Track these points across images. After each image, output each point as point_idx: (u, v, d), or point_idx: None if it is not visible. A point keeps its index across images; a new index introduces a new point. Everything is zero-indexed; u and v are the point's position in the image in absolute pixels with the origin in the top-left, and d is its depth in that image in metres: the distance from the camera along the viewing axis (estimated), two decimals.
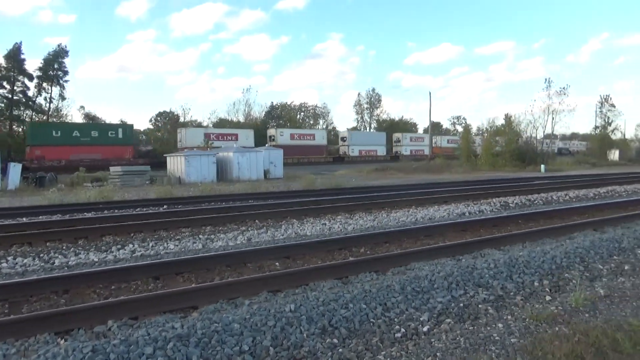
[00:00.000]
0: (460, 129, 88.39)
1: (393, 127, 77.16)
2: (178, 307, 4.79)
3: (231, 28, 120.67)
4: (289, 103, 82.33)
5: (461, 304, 5.05)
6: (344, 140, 61.22)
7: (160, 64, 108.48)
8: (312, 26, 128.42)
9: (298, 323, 4.35)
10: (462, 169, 38.85)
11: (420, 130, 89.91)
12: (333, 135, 70.70)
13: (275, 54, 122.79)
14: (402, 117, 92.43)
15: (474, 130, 72.54)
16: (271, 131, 55.70)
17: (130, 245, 8.16)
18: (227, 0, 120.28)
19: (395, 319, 4.62)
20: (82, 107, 62.36)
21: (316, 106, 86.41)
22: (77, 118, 58.30)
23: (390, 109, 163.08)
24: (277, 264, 6.84)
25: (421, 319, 4.62)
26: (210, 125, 62.29)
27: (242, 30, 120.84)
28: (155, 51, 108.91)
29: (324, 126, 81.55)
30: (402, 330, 4.36)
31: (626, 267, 6.56)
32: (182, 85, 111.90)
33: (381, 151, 62.92)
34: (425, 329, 4.40)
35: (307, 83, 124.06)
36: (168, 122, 62.13)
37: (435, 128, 79.46)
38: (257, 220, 10.75)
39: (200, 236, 9.02)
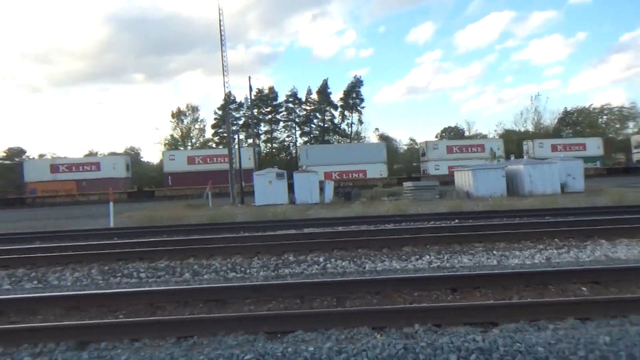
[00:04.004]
0: None
1: None
2: (477, 321, 4.92)
3: (518, 34, 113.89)
4: (587, 106, 72.06)
5: None
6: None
7: (445, 81, 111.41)
8: (615, 15, 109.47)
9: (616, 358, 3.89)
10: None
11: None
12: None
13: (571, 54, 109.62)
14: None
15: None
16: (528, 144, 49.18)
17: (427, 257, 8.73)
18: (513, 6, 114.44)
19: None
20: (376, 129, 70.46)
21: (622, 107, 72.60)
22: (373, 139, 65.99)
23: None
24: (583, 288, 6.20)
25: None
26: (496, 137, 60.31)
27: (531, 35, 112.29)
28: (440, 69, 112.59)
29: (636, 129, 67.79)
30: None
31: None
32: (467, 100, 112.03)
33: None
34: None
35: (611, 81, 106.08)
36: (453, 137, 63.45)
37: None
38: (556, 239, 9.90)
39: (494, 252, 8.91)
